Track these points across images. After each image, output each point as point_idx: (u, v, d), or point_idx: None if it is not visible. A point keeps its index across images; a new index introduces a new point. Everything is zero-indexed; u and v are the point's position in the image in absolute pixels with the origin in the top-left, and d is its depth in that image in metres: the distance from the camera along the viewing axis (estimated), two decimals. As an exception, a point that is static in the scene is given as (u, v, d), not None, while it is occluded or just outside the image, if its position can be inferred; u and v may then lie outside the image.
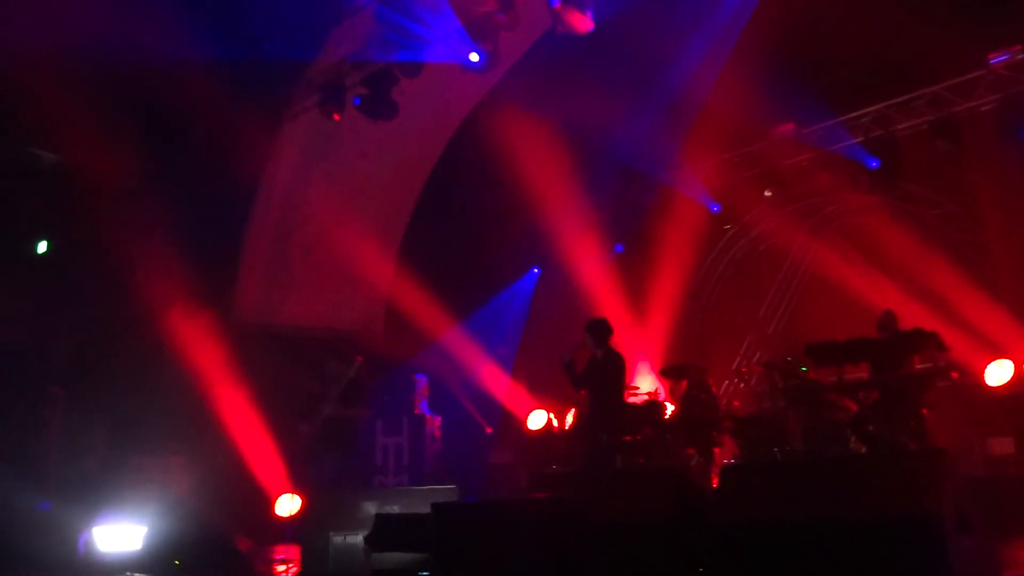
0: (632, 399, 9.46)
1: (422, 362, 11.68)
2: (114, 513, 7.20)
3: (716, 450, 8.60)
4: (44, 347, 9.69)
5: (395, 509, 6.68)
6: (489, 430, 11.95)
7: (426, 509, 5.53)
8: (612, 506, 4.75)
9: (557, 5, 9.35)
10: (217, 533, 6.73)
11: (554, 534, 4.86)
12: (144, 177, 9.33)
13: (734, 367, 11.76)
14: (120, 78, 8.72)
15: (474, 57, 10.09)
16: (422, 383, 11.23)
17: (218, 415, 9.77)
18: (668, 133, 11.40)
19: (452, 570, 5.22)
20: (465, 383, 12.02)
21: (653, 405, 9.22)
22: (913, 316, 8.65)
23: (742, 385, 11.25)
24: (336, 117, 10.65)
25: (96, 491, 8.22)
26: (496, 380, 12.10)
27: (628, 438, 8.44)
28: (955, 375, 7.88)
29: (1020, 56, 9.39)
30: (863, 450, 7.38)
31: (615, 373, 7.36)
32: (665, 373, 10.08)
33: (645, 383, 10.88)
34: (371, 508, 6.65)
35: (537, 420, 11.30)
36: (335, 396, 8.81)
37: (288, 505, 9.33)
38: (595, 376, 7.36)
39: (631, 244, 12.76)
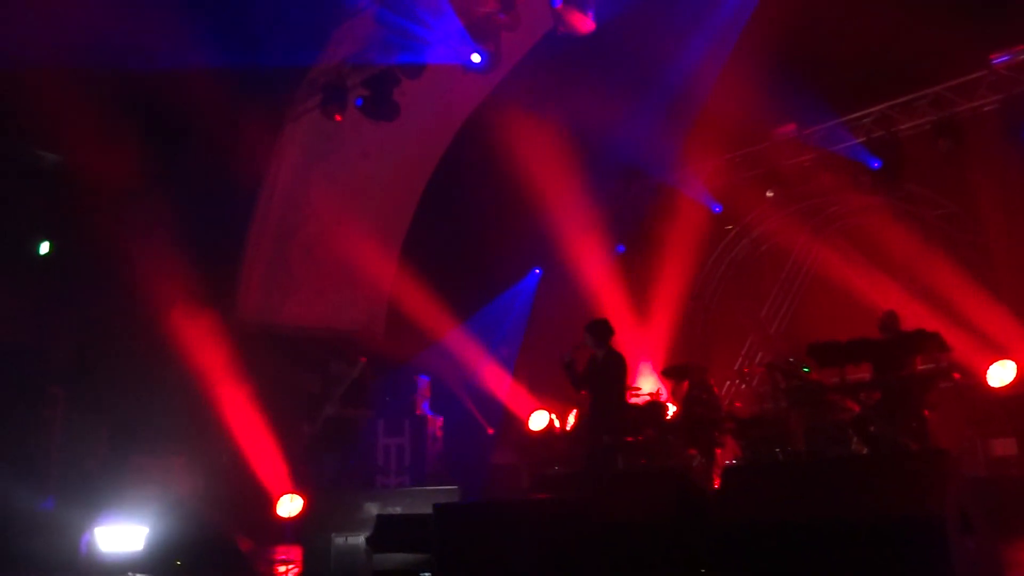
0: (634, 400, 9.45)
1: (424, 362, 11.67)
2: (115, 513, 7.20)
3: (718, 451, 8.59)
4: (45, 347, 9.69)
5: (397, 510, 6.67)
6: (491, 431, 11.95)
7: (428, 510, 5.52)
8: (614, 507, 4.74)
9: (559, 6, 9.36)
10: (218, 534, 6.72)
11: (556, 535, 4.86)
12: (146, 177, 9.34)
13: (736, 368, 11.76)
14: (122, 78, 8.72)
15: (476, 58, 10.09)
16: (424, 384, 11.23)
17: (220, 415, 9.77)
18: (669, 133, 11.39)
19: (454, 571, 5.21)
20: (467, 384, 12.02)
21: (655, 406, 9.21)
22: (915, 317, 8.65)
23: (744, 386, 11.25)
24: (338, 118, 10.66)
25: (97, 491, 8.22)
26: (498, 381, 12.10)
27: (630, 439, 8.43)
28: (957, 376, 7.87)
29: (1022, 56, 9.38)
30: (865, 451, 7.37)
31: (616, 374, 7.36)
32: (667, 374, 10.07)
33: (647, 384, 10.88)
34: (373, 509, 6.65)
35: (539, 421, 11.30)
36: (338, 396, 8.81)
37: (289, 506, 9.33)
38: (596, 377, 7.36)
39: (633, 244, 12.76)
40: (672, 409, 9.47)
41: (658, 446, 8.69)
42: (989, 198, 9.83)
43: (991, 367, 8.55)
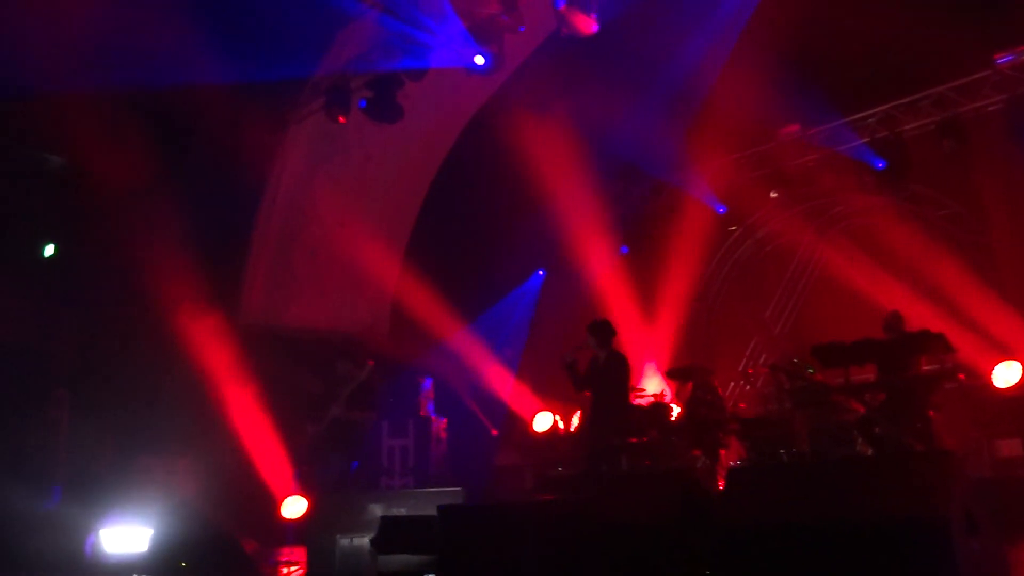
0: (638, 401, 9.45)
1: (427, 364, 11.68)
2: (120, 515, 7.21)
3: (722, 452, 8.57)
4: (50, 349, 9.72)
5: (401, 511, 6.67)
6: (495, 432, 11.95)
7: (432, 511, 5.52)
8: (618, 508, 4.74)
9: (562, 7, 9.36)
10: (223, 535, 6.73)
11: (560, 536, 4.85)
12: (150, 179, 9.36)
13: (740, 369, 11.74)
14: (126, 81, 8.75)
15: (479, 60, 10.09)
16: (428, 385, 11.24)
17: (224, 417, 9.79)
18: (673, 134, 11.39)
19: (458, 572, 5.21)
20: (471, 385, 12.02)
21: (659, 407, 9.20)
22: (920, 317, 8.64)
23: (748, 387, 11.23)
24: (341, 120, 10.67)
25: (102, 493, 8.24)
26: (502, 382, 12.10)
27: (634, 440, 8.43)
28: (962, 377, 7.84)
29: (1026, 56, 9.37)
30: (870, 452, 7.36)
31: (618, 375, 7.35)
32: (671, 375, 10.07)
33: (652, 385, 10.87)
34: (377, 510, 6.65)
35: (543, 422, 11.29)
36: (344, 398, 8.81)
37: (294, 507, 9.33)
38: (597, 378, 7.35)
39: (636, 245, 12.74)
40: (676, 410, 9.47)
41: (662, 447, 8.68)
42: (993, 198, 9.81)
43: (996, 368, 8.53)
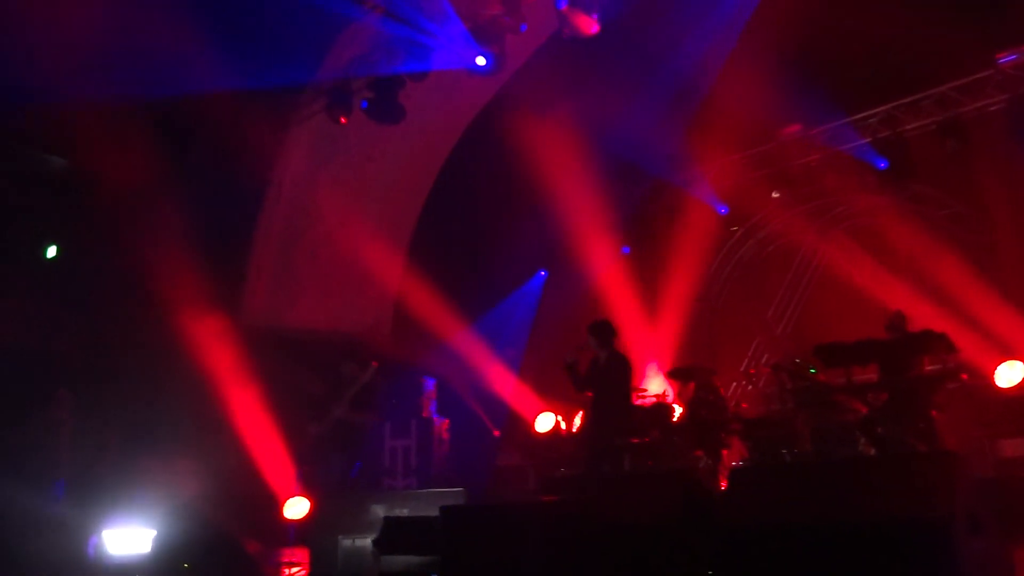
0: (640, 401, 9.45)
1: (430, 365, 11.68)
2: (123, 516, 7.22)
3: (724, 452, 8.57)
4: (53, 350, 9.73)
5: (404, 512, 6.68)
6: (497, 433, 11.95)
7: (434, 512, 5.53)
8: (620, 508, 4.74)
9: (563, 8, 9.37)
10: (226, 536, 6.74)
11: (562, 536, 4.86)
12: (152, 181, 9.36)
13: (742, 369, 11.72)
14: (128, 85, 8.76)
15: (481, 61, 10.10)
16: (430, 386, 11.24)
17: (227, 418, 9.79)
18: (675, 134, 11.39)
19: (461, 573, 5.21)
20: (473, 386, 12.02)
21: (661, 407, 9.21)
22: (922, 317, 8.62)
23: (750, 387, 11.21)
24: (343, 120, 10.68)
25: (105, 494, 8.24)
26: (504, 383, 12.10)
27: (636, 440, 8.43)
28: (965, 376, 7.83)
29: (1028, 56, 9.36)
30: (872, 452, 7.35)
31: (619, 376, 7.31)
32: (673, 375, 10.07)
33: (654, 385, 10.87)
34: (380, 511, 6.66)
35: (545, 423, 11.29)
36: (347, 399, 8.82)
37: (297, 508, 9.34)
38: (598, 378, 7.32)
39: (638, 246, 12.74)
40: (678, 410, 9.46)
41: (664, 447, 8.68)
42: (996, 198, 9.80)
43: (999, 367, 8.51)
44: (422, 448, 10.63)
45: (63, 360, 9.61)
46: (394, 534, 5.90)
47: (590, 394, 7.53)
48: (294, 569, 7.54)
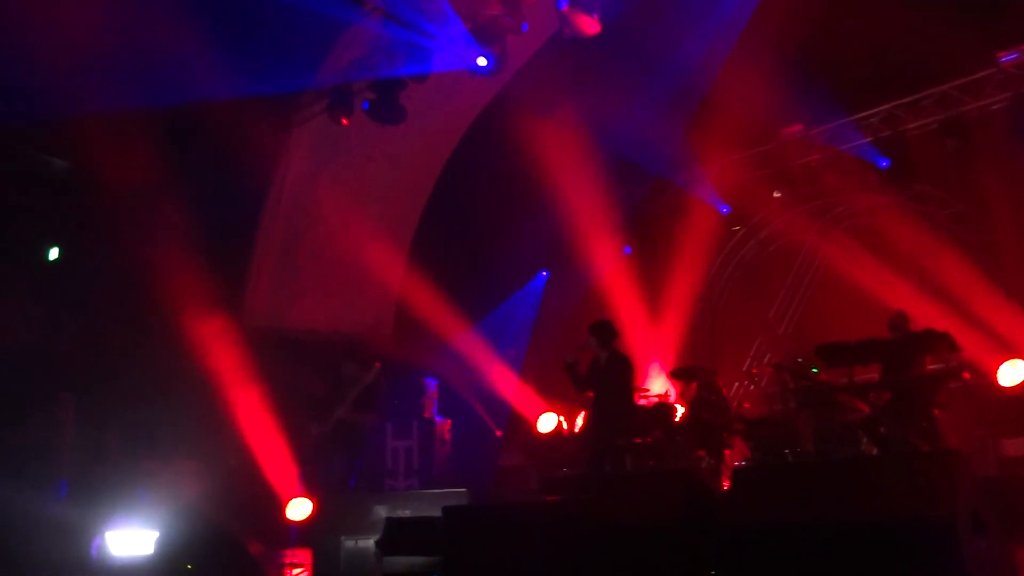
0: (642, 401, 9.45)
1: (432, 365, 11.68)
2: (126, 517, 7.22)
3: (727, 452, 8.57)
4: (55, 352, 9.73)
5: (406, 513, 6.68)
6: (499, 433, 11.95)
7: (437, 512, 5.53)
8: (622, 508, 4.74)
9: (564, 8, 9.36)
10: (228, 537, 6.74)
11: (565, 537, 4.86)
12: (154, 182, 9.37)
13: (744, 368, 11.72)
14: (130, 86, 8.77)
15: (482, 61, 10.09)
16: (432, 386, 11.24)
17: (229, 418, 9.79)
18: (676, 134, 11.39)
19: (463, 573, 5.22)
20: (475, 386, 12.02)
21: (662, 407, 9.20)
22: (925, 316, 8.62)
23: (752, 387, 11.21)
24: (344, 121, 10.68)
25: (108, 495, 8.25)
26: (506, 383, 12.10)
27: (638, 440, 8.43)
28: (967, 375, 7.83)
29: (1030, 54, 9.35)
30: (875, 452, 7.35)
31: (621, 376, 7.31)
32: (675, 375, 10.07)
33: (656, 385, 10.87)
34: (382, 512, 6.67)
35: (547, 423, 11.29)
36: (350, 399, 8.83)
37: (299, 509, 9.34)
38: (598, 379, 7.31)
39: (640, 246, 12.74)
40: (680, 410, 9.46)
41: (667, 447, 8.68)
42: (998, 197, 9.79)
43: (1002, 366, 8.50)
44: (424, 449, 10.62)
45: (65, 361, 9.61)
46: (397, 535, 5.90)
47: (590, 394, 7.53)
48: (297, 570, 7.54)
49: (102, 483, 8.89)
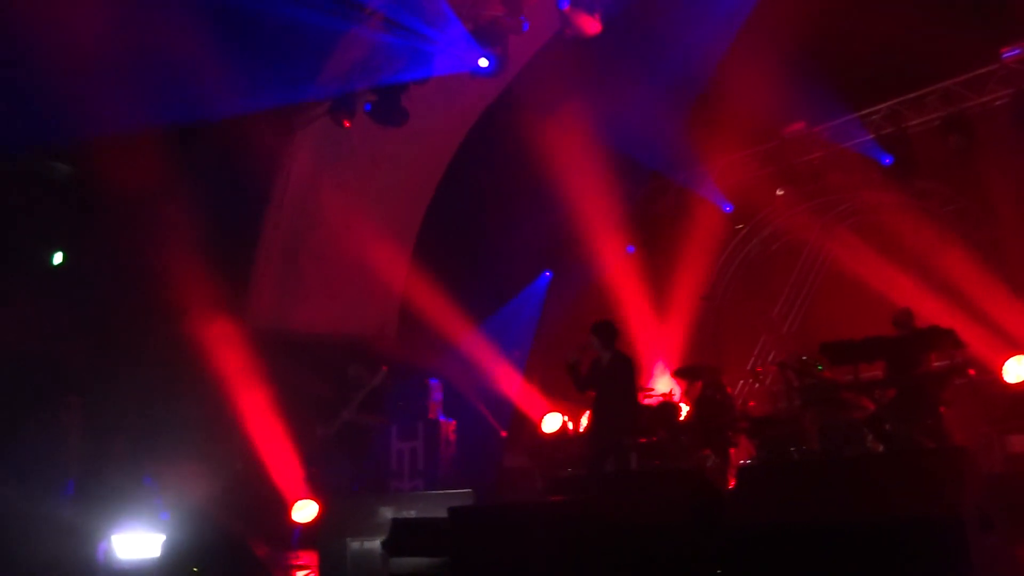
0: (647, 400, 9.44)
1: (436, 366, 11.69)
2: (132, 520, 7.24)
3: (732, 451, 8.57)
4: (61, 355, 9.76)
5: (412, 514, 6.67)
6: (504, 434, 11.95)
7: (443, 513, 5.52)
8: (628, 508, 4.74)
9: (566, 8, 9.36)
10: (235, 539, 6.75)
11: (570, 536, 4.85)
12: (158, 186, 9.39)
13: (749, 367, 11.72)
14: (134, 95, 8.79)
15: (483, 62, 10.09)
16: (436, 388, 11.24)
17: (235, 421, 9.82)
18: (678, 133, 11.38)
19: (470, 573, 5.22)
20: (479, 387, 12.02)
21: (667, 406, 9.20)
22: (929, 313, 8.60)
23: (757, 385, 11.21)
24: (346, 124, 10.69)
25: (115, 498, 8.27)
26: (510, 383, 12.10)
27: (643, 439, 8.42)
28: (972, 372, 7.82)
29: (1033, 50, 9.33)
30: (880, 449, 7.34)
31: (623, 376, 7.28)
32: (680, 374, 10.06)
33: (662, 384, 10.86)
34: (388, 513, 6.65)
35: (552, 423, 11.29)
36: (356, 402, 8.84)
37: (305, 511, 9.35)
38: (601, 379, 7.30)
39: (644, 245, 12.74)
40: (685, 409, 9.46)
41: (672, 447, 8.68)
42: (1001, 193, 9.77)
43: (1007, 363, 8.49)
44: (429, 450, 10.62)
45: (70, 364, 9.64)
46: (403, 536, 5.90)
47: (592, 394, 7.52)
48: (303, 572, 7.55)
49: (108, 486, 8.91)
